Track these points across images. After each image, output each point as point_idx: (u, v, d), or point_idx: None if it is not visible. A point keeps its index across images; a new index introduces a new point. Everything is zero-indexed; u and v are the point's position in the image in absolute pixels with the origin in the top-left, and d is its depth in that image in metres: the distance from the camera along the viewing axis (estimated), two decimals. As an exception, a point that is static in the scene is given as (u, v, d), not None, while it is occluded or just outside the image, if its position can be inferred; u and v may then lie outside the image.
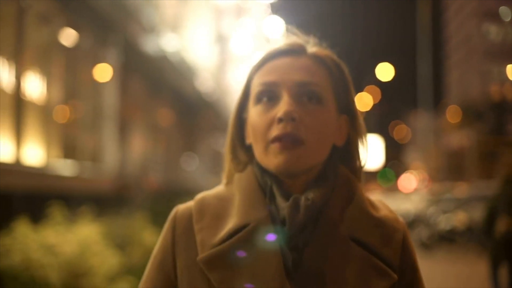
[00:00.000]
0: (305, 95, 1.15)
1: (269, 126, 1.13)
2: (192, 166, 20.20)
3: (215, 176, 24.02)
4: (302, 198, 1.12)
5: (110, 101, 11.62)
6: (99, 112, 11.39)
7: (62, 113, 9.85)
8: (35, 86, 8.77)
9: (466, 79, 52.54)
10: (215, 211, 1.17)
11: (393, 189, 46.43)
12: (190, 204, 1.21)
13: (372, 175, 52.22)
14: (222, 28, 23.95)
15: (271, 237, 1.12)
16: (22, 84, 8.26)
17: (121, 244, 5.71)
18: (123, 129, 12.62)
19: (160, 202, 11.01)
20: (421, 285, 1.19)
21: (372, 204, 1.19)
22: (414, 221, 16.65)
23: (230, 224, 1.14)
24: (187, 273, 1.14)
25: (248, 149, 1.24)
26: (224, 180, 1.26)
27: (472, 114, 40.66)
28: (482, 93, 44.36)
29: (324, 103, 1.16)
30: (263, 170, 1.18)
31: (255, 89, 1.18)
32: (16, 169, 7.85)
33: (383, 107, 62.87)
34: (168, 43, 14.52)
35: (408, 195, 31.26)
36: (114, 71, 11.68)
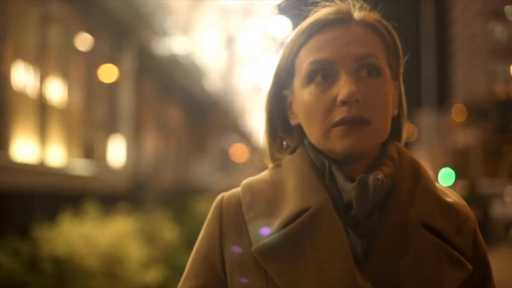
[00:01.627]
0: (364, 70, 1.05)
1: (329, 108, 1.03)
2: (202, 165, 20.63)
3: (224, 175, 24.45)
4: (371, 178, 1.01)
5: (125, 103, 12.10)
6: (114, 113, 11.88)
7: (80, 115, 10.32)
8: (55, 90, 9.24)
9: (472, 77, 52.82)
10: (267, 197, 1.06)
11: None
12: (236, 191, 1.10)
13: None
14: (230, 29, 24.38)
15: (336, 222, 1.01)
16: (44, 88, 8.74)
17: (144, 238, 6.24)
18: (137, 130, 13.09)
19: (173, 200, 11.50)
20: (493, 282, 1.10)
21: (440, 189, 1.09)
22: None
23: (287, 209, 1.02)
24: (239, 267, 1.03)
25: (292, 129, 1.14)
26: (269, 165, 1.15)
27: (477, 113, 40.93)
28: (487, 92, 44.63)
29: (382, 75, 1.06)
30: (317, 151, 1.08)
31: (305, 67, 1.07)
32: (40, 169, 8.32)
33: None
34: (178, 46, 14.99)
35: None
36: (129, 74, 12.16)
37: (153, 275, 5.01)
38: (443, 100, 58.51)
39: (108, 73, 11.62)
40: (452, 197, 1.08)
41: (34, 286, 3.66)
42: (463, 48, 56.20)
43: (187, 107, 18.60)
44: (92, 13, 10.23)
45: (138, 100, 13.05)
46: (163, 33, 13.67)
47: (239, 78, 27.15)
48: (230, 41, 24.45)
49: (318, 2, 1.13)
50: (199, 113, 20.13)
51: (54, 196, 8.07)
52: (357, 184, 1.00)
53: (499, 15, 48.30)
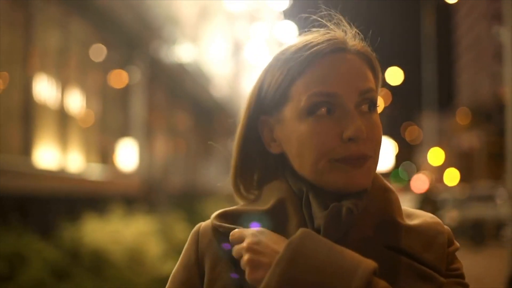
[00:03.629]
0: (365, 104, 1.03)
1: (332, 143, 1.00)
2: (209, 168, 21.11)
3: (229, 177, 24.91)
4: (344, 209, 1.00)
5: (137, 110, 12.70)
6: (128, 120, 12.47)
7: (96, 123, 10.90)
8: (74, 100, 9.81)
9: (476, 80, 53.17)
10: (239, 221, 1.06)
11: (406, 189, 46.97)
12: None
13: (385, 176, 52.95)
14: (236, 36, 24.88)
15: None
16: (63, 98, 9.32)
17: (161, 236, 6.90)
18: (148, 135, 13.64)
19: (183, 202, 12.08)
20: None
21: (408, 213, 1.08)
22: None
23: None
24: (216, 285, 1.03)
25: (268, 159, 1.11)
26: (240, 201, 1.13)
27: (481, 116, 41.25)
28: (491, 95, 44.91)
29: (376, 108, 1.06)
30: (296, 178, 1.06)
31: (306, 98, 1.02)
32: (60, 175, 8.88)
33: (394, 109, 63.51)
34: (186, 54, 15.57)
35: (418, 195, 32.03)
36: (140, 83, 12.76)
37: (170, 267, 5.76)
38: (448, 103, 58.90)
39: (121, 82, 12.22)
40: (421, 218, 1.07)
41: (74, 275, 4.35)
42: (468, 51, 56.58)
43: (195, 113, 19.15)
44: (107, 27, 10.84)
45: (149, 107, 13.62)
46: (172, 43, 14.26)
47: (245, 83, 27.69)
48: (236, 48, 24.93)
49: (320, 9, 1.10)
50: (206, 118, 20.65)
51: (73, 199, 8.65)
52: (329, 212, 1.00)
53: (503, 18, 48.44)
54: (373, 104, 1.04)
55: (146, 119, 13.27)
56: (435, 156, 47.19)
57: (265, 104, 1.08)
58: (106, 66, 11.44)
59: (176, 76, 15.44)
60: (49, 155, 8.69)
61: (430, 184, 44.96)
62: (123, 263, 5.13)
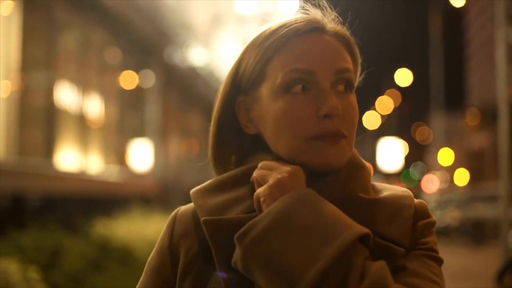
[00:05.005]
0: (341, 84, 1.02)
1: (307, 120, 0.99)
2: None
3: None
4: None
5: (152, 113, 13.12)
6: (143, 123, 12.88)
7: (114, 126, 11.32)
8: (93, 105, 10.24)
9: (486, 81, 53.25)
10: (219, 192, 1.06)
11: (417, 189, 47.06)
12: (192, 204, 1.08)
13: (396, 176, 53.31)
14: (247, 39, 25.15)
15: None
16: (83, 103, 9.74)
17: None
18: (163, 137, 14.04)
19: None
20: (432, 260, 1.01)
21: (380, 188, 1.07)
22: None
23: (244, 204, 1.02)
24: (189, 271, 1.02)
25: (244, 139, 1.11)
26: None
27: (491, 116, 41.36)
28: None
29: (353, 90, 1.04)
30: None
31: (282, 75, 1.00)
32: (81, 177, 9.30)
33: (404, 109, 63.61)
34: (199, 58, 15.95)
35: (430, 196, 32.26)
36: (155, 88, 13.19)
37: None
38: (457, 103, 58.97)
39: (137, 86, 12.65)
40: (391, 192, 1.06)
41: (107, 266, 4.86)
42: (477, 52, 56.65)
43: (208, 114, 19.49)
44: (124, 34, 11.28)
45: (164, 109, 14.03)
46: (185, 48, 14.67)
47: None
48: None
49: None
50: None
51: (93, 199, 9.05)
52: None
53: (514, 19, 48.31)
54: (350, 85, 1.03)
55: (161, 121, 13.64)
56: (445, 156, 47.34)
57: (242, 84, 1.07)
58: (123, 71, 11.86)
59: (189, 79, 15.84)
60: (70, 158, 9.07)
61: (440, 184, 45.04)
62: (146, 257, 5.60)
